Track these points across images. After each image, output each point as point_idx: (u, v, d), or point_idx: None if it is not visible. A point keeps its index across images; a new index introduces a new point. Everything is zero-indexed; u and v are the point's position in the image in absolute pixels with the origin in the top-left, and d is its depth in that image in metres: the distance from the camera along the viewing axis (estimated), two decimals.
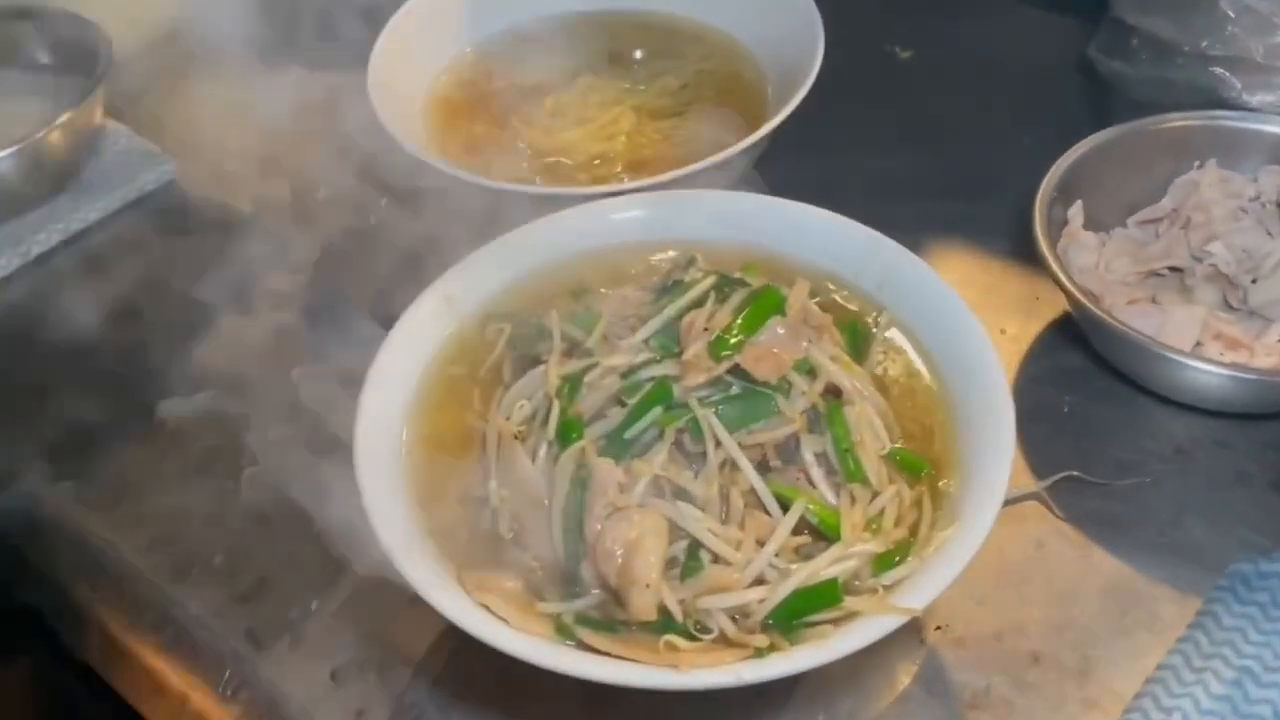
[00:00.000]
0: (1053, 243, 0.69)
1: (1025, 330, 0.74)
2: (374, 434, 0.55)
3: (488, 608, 0.48)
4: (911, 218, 0.81)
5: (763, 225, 0.67)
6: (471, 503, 0.54)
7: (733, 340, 0.53)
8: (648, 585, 0.46)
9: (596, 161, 0.78)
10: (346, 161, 0.89)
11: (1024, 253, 0.74)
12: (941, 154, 0.87)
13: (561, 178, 0.77)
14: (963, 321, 0.59)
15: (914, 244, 0.79)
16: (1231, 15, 0.70)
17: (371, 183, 0.86)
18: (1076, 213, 0.72)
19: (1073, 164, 0.72)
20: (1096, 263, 0.72)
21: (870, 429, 0.54)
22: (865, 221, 0.75)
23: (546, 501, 0.52)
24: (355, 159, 0.88)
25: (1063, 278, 0.65)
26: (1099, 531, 0.63)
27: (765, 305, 0.55)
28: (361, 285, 0.79)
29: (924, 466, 0.55)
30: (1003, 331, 0.74)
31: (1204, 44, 0.72)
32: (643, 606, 0.46)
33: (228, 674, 0.60)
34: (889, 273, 0.63)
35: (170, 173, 0.88)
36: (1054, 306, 0.74)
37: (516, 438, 0.54)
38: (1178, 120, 0.73)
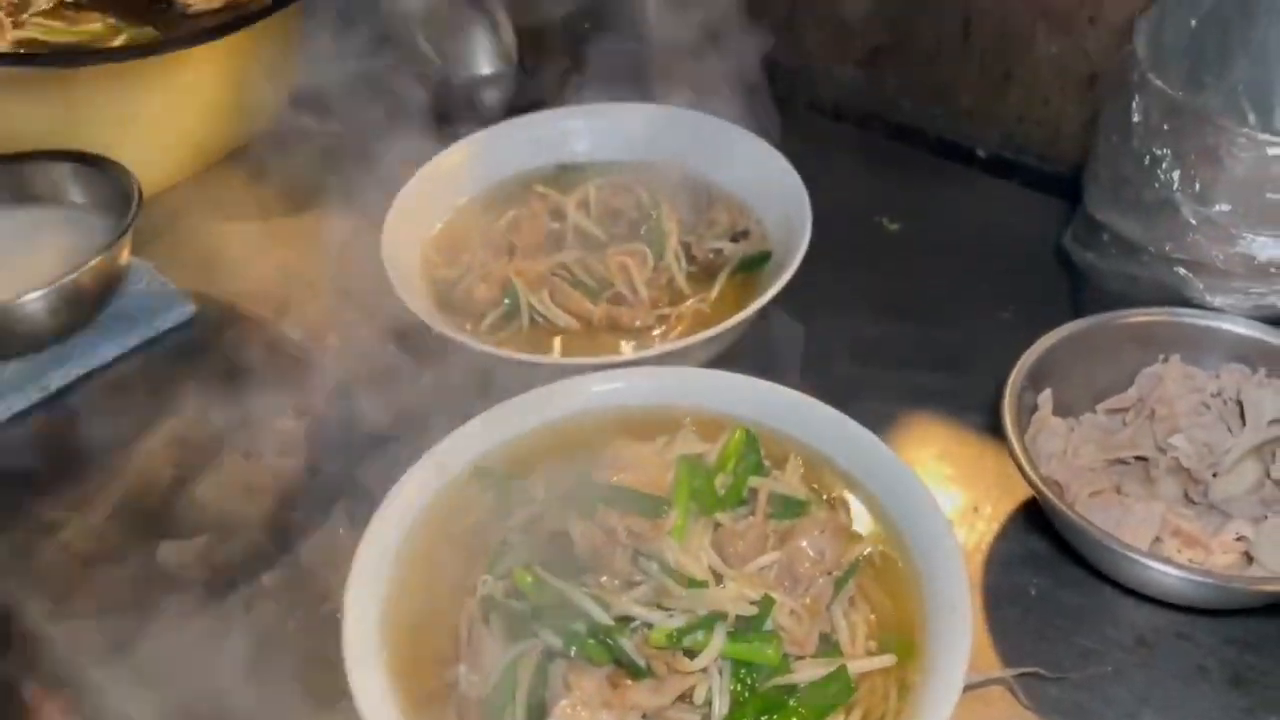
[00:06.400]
0: (1021, 430, 0.72)
1: (999, 508, 0.77)
2: (362, 602, 0.58)
3: None
4: (894, 387, 0.86)
5: (746, 402, 0.70)
6: (449, 684, 0.56)
7: None
8: None
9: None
10: (356, 308, 0.94)
11: (1000, 430, 0.77)
12: (923, 325, 0.91)
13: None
14: (925, 504, 0.62)
15: (895, 415, 0.84)
16: (1193, 223, 0.74)
17: (379, 331, 0.90)
18: (1046, 400, 0.75)
19: (1043, 353, 0.75)
20: (1064, 449, 0.75)
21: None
22: (849, 389, 0.80)
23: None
24: (365, 306, 0.93)
25: (1028, 470, 0.68)
26: None
27: None
28: (362, 434, 0.83)
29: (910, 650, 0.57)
30: (976, 509, 0.77)
31: (1168, 247, 0.76)
32: None
33: None
34: (856, 450, 0.67)
35: (187, 313, 0.92)
36: (1027, 486, 0.77)
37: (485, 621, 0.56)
38: (1144, 315, 0.77)
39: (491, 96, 1.17)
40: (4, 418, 0.84)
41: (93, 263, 0.85)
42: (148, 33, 0.89)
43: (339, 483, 0.79)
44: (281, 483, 0.80)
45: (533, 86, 1.14)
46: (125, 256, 0.90)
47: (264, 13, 0.91)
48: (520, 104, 1.14)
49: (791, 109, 1.07)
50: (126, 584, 0.74)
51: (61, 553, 0.76)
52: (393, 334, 0.90)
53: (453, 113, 1.17)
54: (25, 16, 0.91)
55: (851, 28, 1.10)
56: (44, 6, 0.92)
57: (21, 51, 0.89)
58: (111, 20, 0.92)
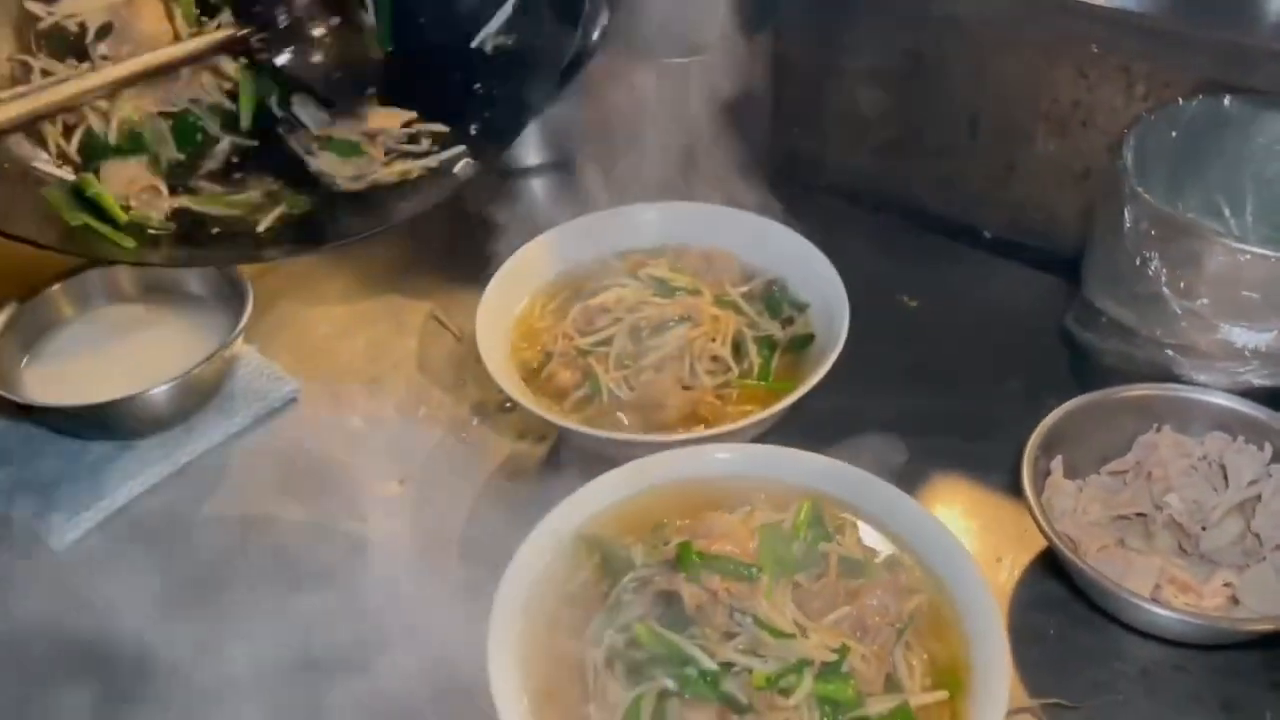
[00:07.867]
0: (1038, 492, 0.84)
1: (1019, 558, 0.88)
2: (502, 655, 0.69)
3: None
4: (923, 452, 0.97)
5: (810, 475, 0.81)
6: None
7: None
8: None
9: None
10: (439, 382, 1.06)
11: (1017, 488, 0.87)
12: (944, 395, 1.01)
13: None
14: (964, 563, 0.74)
15: (925, 475, 0.96)
16: (1179, 314, 0.87)
17: (463, 403, 1.02)
18: (1058, 465, 0.88)
19: (1054, 423, 0.87)
20: (1074, 507, 0.87)
21: None
22: (883, 452, 0.92)
23: None
24: (447, 381, 1.05)
25: (1046, 528, 0.80)
26: None
27: None
28: (457, 497, 0.95)
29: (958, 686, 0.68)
30: (999, 559, 0.89)
31: (1158, 333, 0.89)
32: None
33: None
34: (904, 516, 0.78)
35: (294, 391, 1.04)
36: (1042, 539, 0.89)
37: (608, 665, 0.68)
38: (1140, 390, 0.89)
39: (540, 188, 1.30)
40: (140, 491, 0.95)
41: (215, 356, 0.96)
42: (301, 202, 0.95)
43: (446, 542, 0.91)
44: (392, 543, 0.91)
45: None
46: (239, 346, 1.02)
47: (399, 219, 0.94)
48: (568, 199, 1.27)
49: (811, 194, 1.20)
50: (281, 635, 0.84)
51: (213, 604, 0.86)
52: (474, 406, 1.02)
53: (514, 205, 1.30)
54: (194, 180, 0.95)
55: (868, 122, 1.23)
56: (213, 167, 0.97)
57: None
58: (274, 187, 0.96)
